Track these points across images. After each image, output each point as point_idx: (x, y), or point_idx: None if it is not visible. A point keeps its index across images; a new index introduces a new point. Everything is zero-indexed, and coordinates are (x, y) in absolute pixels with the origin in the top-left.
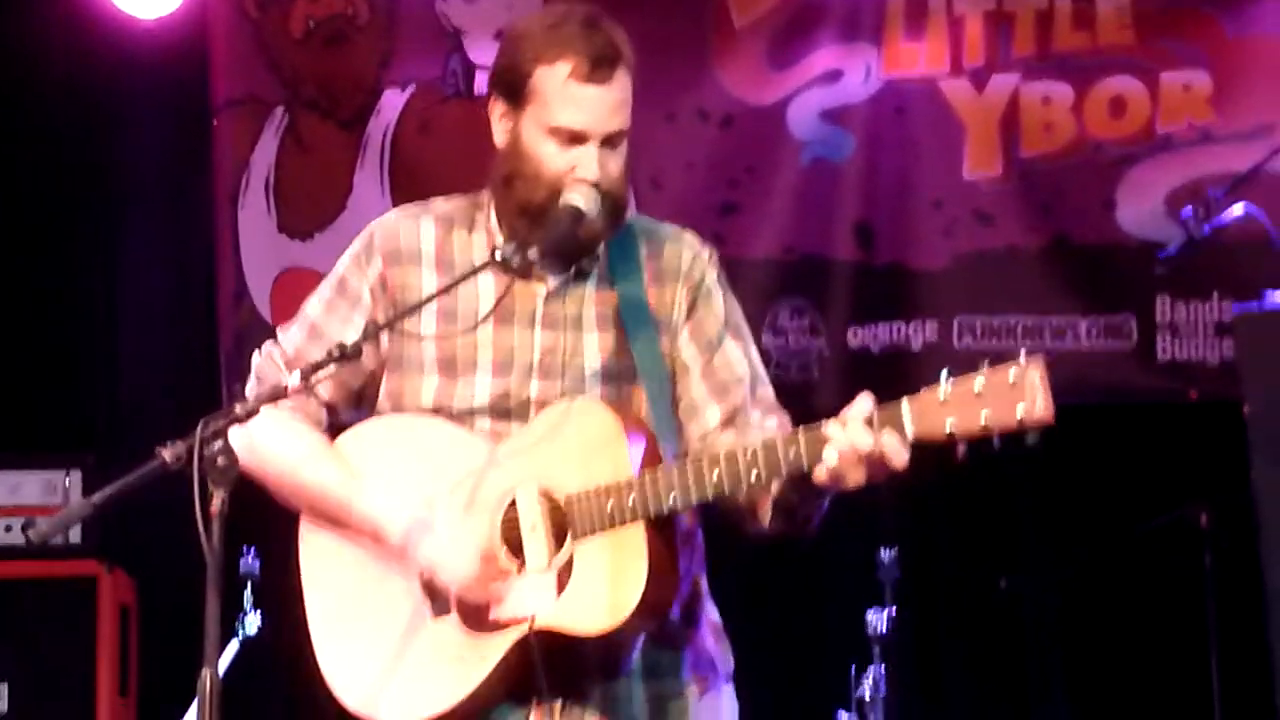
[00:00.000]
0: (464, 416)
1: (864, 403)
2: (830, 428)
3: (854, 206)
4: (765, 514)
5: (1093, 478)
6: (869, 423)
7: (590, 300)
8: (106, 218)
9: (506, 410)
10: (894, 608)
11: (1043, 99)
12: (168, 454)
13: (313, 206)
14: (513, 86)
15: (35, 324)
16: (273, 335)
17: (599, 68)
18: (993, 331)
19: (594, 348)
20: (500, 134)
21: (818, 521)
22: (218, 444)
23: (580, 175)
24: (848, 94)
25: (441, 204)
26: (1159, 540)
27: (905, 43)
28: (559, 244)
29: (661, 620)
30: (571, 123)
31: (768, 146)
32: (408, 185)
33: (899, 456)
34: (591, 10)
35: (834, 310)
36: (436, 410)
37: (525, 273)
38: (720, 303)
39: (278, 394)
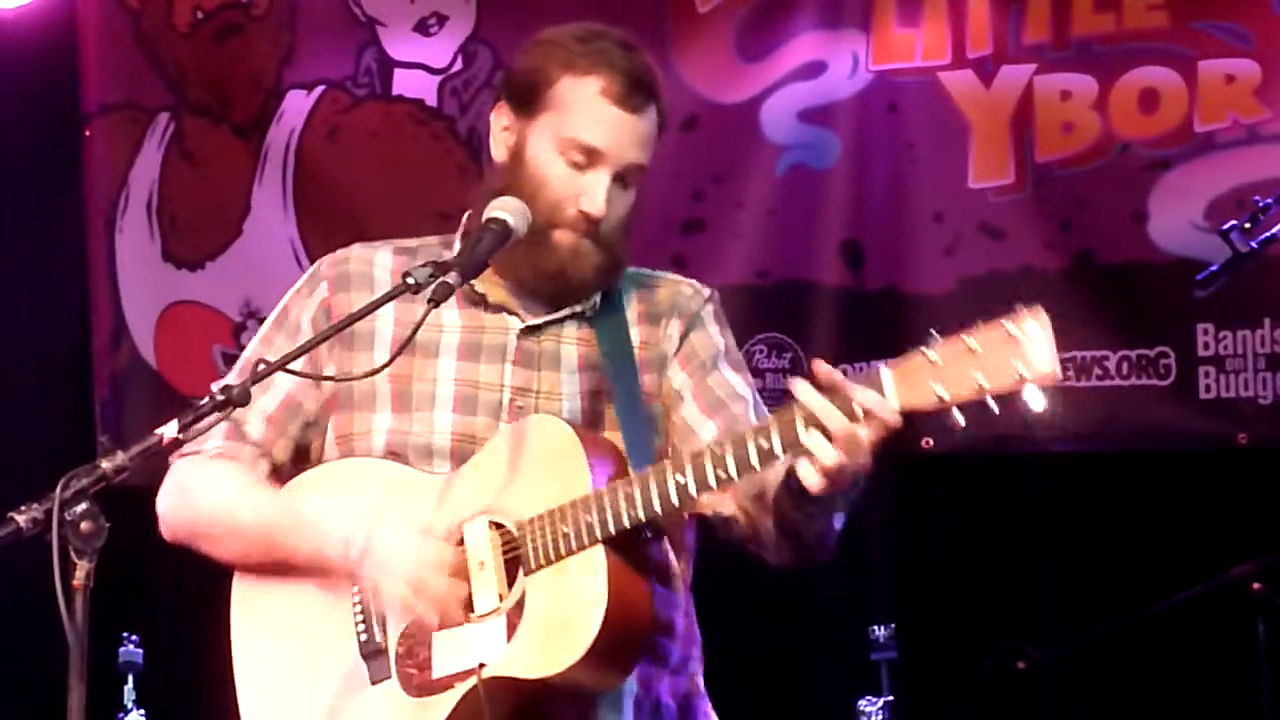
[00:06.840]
0: (420, 458)
1: (825, 368)
2: (798, 387)
3: (840, 222)
4: (770, 540)
5: (1125, 535)
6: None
7: (570, 338)
8: None
9: (471, 456)
10: (890, 697)
11: (1061, 93)
12: (22, 519)
13: (204, 230)
14: (529, 92)
15: None
16: (156, 380)
17: (634, 94)
18: None
19: (572, 390)
20: (499, 146)
21: (833, 541)
22: (81, 506)
23: (584, 206)
24: (831, 90)
25: (407, 240)
26: (1203, 608)
27: (899, 29)
28: (479, 265)
29: (635, 660)
30: (591, 138)
31: (737, 152)
32: (314, 203)
33: (890, 415)
34: (626, 34)
35: (818, 345)
36: (391, 453)
37: (440, 300)
38: (716, 333)
39: (150, 448)
